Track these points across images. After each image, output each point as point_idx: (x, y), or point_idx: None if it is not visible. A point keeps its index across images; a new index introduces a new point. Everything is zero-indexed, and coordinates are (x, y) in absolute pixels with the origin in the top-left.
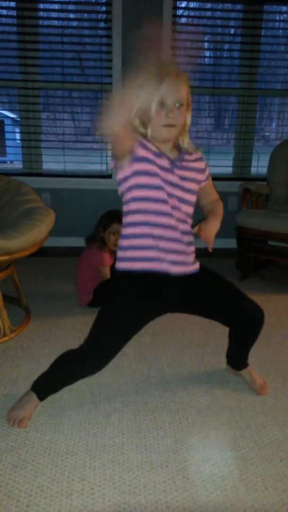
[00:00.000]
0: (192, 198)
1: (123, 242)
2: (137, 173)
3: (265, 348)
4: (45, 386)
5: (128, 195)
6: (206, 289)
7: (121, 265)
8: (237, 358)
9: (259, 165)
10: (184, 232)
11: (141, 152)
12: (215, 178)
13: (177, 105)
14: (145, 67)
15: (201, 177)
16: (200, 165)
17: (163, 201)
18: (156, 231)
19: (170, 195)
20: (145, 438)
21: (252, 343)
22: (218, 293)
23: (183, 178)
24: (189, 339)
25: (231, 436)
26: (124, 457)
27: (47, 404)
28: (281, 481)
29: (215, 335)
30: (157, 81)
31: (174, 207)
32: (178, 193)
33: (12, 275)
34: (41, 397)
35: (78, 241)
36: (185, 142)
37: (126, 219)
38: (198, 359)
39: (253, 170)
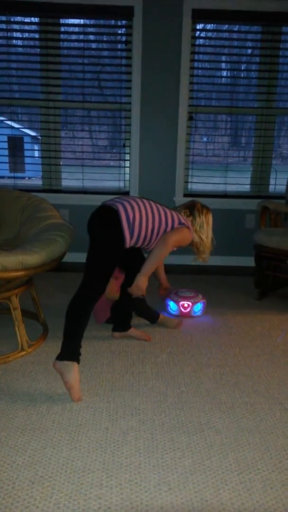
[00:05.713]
0: None
1: None
2: None
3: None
4: (74, 343)
5: None
6: None
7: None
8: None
9: (277, 183)
10: None
11: None
12: (233, 196)
13: None
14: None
15: None
16: None
17: None
18: None
19: None
20: (162, 458)
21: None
22: None
23: None
24: (207, 358)
25: (250, 458)
26: (141, 476)
27: (64, 420)
28: None
29: (233, 355)
30: None
31: None
32: None
33: (31, 290)
34: (77, 358)
35: None
36: None
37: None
38: (216, 378)
39: (271, 188)
